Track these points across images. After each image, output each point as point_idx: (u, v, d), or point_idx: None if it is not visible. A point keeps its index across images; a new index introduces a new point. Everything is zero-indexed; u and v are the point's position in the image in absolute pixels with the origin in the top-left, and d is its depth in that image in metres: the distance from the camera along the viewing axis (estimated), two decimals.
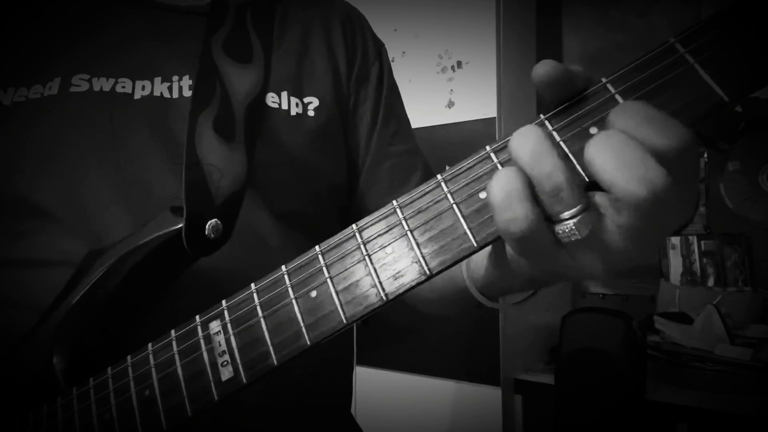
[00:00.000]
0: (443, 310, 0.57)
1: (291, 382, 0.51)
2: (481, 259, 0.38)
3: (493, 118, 1.55)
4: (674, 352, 1.40)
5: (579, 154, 0.28)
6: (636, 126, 0.26)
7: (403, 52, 1.69)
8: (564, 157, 0.28)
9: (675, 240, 1.65)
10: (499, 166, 0.30)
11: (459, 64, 1.62)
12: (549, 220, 0.28)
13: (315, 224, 0.58)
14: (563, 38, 1.94)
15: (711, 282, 1.59)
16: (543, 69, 0.29)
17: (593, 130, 0.28)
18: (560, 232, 0.28)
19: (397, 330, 1.64)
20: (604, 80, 0.29)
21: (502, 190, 0.28)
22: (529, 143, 0.28)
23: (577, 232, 0.27)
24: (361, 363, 1.70)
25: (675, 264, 1.64)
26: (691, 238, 1.64)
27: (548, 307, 1.71)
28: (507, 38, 1.59)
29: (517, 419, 1.50)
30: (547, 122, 0.29)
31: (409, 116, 0.70)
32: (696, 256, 1.62)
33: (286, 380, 0.45)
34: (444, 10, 1.64)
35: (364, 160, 0.63)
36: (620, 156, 0.25)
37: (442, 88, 1.64)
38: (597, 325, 1.30)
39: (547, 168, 0.27)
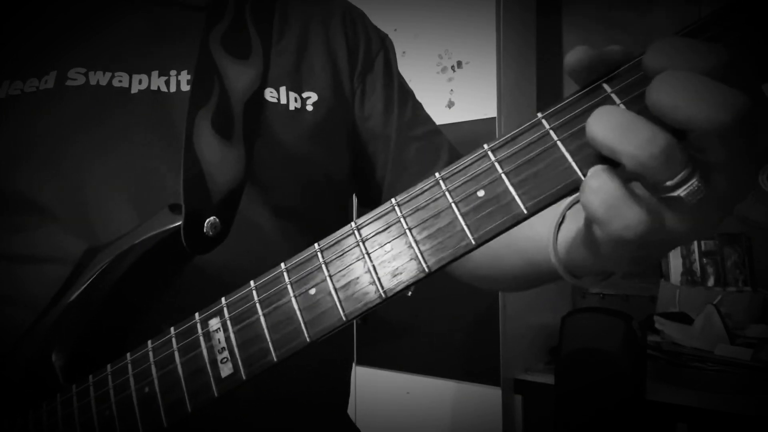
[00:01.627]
0: (503, 287, 0.54)
1: (288, 380, 0.51)
2: (576, 248, 0.35)
3: (493, 118, 1.55)
4: (674, 352, 1.40)
5: (576, 153, 0.28)
6: (689, 60, 0.25)
7: (403, 52, 1.69)
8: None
9: None
10: (496, 165, 0.30)
11: (459, 64, 1.62)
12: (662, 191, 0.26)
13: (314, 219, 0.58)
14: (563, 38, 1.94)
15: (711, 282, 1.59)
16: (575, 56, 0.28)
17: None
18: (684, 195, 0.26)
19: (396, 330, 1.64)
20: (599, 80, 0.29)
21: (601, 200, 0.26)
22: (612, 118, 0.26)
23: (702, 186, 0.25)
24: (360, 363, 1.70)
25: (675, 264, 1.64)
26: None
27: (548, 307, 1.71)
28: (507, 38, 1.59)
29: (517, 419, 1.50)
30: (544, 121, 0.30)
31: None
32: (696, 256, 1.62)
33: (283, 378, 0.45)
34: (444, 10, 1.65)
35: (386, 149, 0.62)
36: (689, 90, 0.24)
37: (442, 88, 1.64)
38: (597, 325, 1.30)
39: (645, 134, 0.25)
